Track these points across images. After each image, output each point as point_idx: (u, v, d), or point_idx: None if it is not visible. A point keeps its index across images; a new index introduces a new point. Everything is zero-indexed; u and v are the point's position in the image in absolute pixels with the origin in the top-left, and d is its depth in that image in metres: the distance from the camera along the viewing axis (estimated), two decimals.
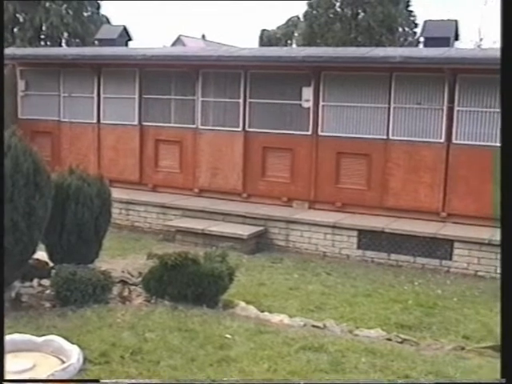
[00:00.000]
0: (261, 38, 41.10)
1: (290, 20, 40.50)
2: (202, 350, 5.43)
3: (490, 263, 10.09)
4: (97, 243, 7.33)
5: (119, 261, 9.41)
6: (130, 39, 16.01)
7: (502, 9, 4.04)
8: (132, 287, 7.15)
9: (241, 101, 12.60)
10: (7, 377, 3.63)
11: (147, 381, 4.88)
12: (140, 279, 7.17)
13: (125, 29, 15.93)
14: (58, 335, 4.40)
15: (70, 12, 24.67)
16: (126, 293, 7.01)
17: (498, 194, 4.24)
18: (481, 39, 24.85)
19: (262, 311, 7.10)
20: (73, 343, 4.19)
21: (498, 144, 10.82)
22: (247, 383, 4.94)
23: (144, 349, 5.33)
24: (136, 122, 13.59)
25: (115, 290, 6.93)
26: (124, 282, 7.21)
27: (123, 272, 7.60)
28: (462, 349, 6.24)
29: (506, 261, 4.01)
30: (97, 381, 4.67)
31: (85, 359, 4.73)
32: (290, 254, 11.09)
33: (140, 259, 8.76)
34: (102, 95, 13.88)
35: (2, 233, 4.91)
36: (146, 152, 13.62)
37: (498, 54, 11.70)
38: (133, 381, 4.82)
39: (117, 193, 11.07)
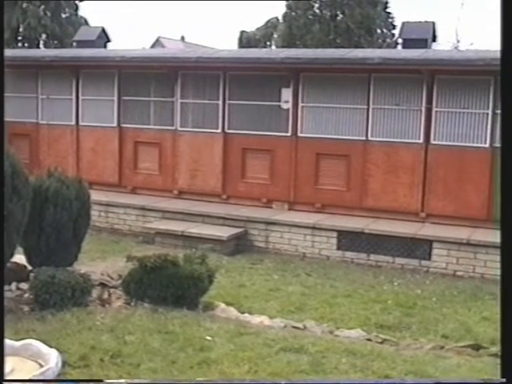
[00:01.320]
0: (240, 39, 41.14)
1: (269, 21, 40.57)
2: (182, 352, 5.41)
3: (468, 263, 10.16)
4: (76, 246, 7.28)
5: (99, 263, 9.38)
6: (108, 41, 15.96)
7: (502, 9, 4.05)
8: (112, 290, 7.12)
9: (220, 102, 12.59)
10: None
11: (147, 381, 4.88)
12: (120, 282, 7.14)
13: (103, 30, 15.88)
14: (37, 339, 4.38)
15: (48, 13, 24.56)
16: (105, 295, 6.98)
17: (499, 195, 4.26)
18: (458, 41, 24.97)
19: (243, 313, 7.11)
20: (52, 347, 4.17)
21: (476, 144, 10.94)
22: (247, 383, 4.94)
23: (124, 352, 5.30)
24: (115, 124, 13.53)
25: (95, 292, 6.90)
26: (103, 285, 7.18)
27: (103, 275, 7.56)
28: (441, 348, 6.28)
29: (506, 261, 4.02)
30: (99, 381, 4.67)
31: (64, 363, 4.72)
32: (269, 255, 11.09)
33: (119, 262, 8.70)
34: (80, 97, 13.81)
35: (2, 233, 4.88)
36: (125, 154, 13.57)
37: (474, 55, 11.84)
38: (133, 381, 4.82)
39: (96, 195, 10.99)
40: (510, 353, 3.85)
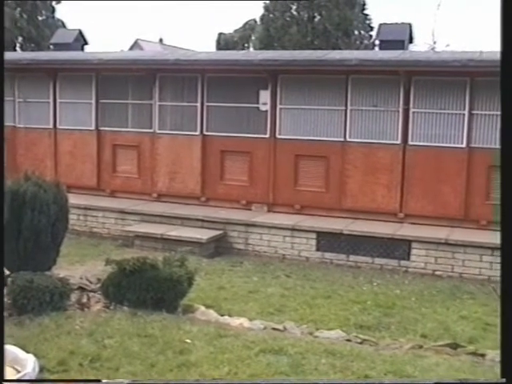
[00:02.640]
0: (218, 41, 41.09)
1: (246, 23, 40.59)
2: (161, 355, 5.41)
3: (446, 262, 10.23)
4: (54, 250, 7.25)
5: (78, 267, 9.34)
6: (85, 43, 15.89)
7: (502, 9, 4.06)
8: (91, 294, 7.09)
9: (198, 104, 12.58)
10: None
11: (147, 381, 4.86)
12: (99, 285, 7.12)
13: (80, 33, 15.80)
14: (15, 344, 4.35)
15: (24, 16, 24.38)
16: (84, 299, 6.95)
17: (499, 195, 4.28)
18: (434, 42, 25.11)
19: (222, 315, 7.10)
20: (30, 352, 4.14)
21: (453, 145, 11.03)
22: (246, 383, 4.94)
23: (103, 356, 5.29)
24: (93, 127, 13.47)
25: (73, 296, 6.88)
26: (82, 289, 7.15)
27: (81, 278, 7.53)
28: (420, 347, 6.31)
29: (506, 262, 4.04)
30: (97, 381, 4.67)
31: (42, 368, 4.69)
32: (249, 257, 11.09)
33: (99, 265, 8.67)
34: (58, 100, 13.74)
35: (2, 233, 4.85)
36: (104, 157, 13.52)
37: (450, 56, 11.92)
38: (133, 381, 4.81)
39: (74, 198, 10.97)
40: (510, 353, 3.87)
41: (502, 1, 4.07)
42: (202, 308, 7.13)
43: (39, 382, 3.79)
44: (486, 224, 10.85)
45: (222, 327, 6.42)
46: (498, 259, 9.84)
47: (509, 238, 3.99)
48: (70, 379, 4.35)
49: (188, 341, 5.79)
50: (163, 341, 5.73)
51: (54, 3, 26.96)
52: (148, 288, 6.66)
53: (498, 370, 5.53)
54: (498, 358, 5.88)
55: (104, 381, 4.75)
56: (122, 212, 12.31)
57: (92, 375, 4.91)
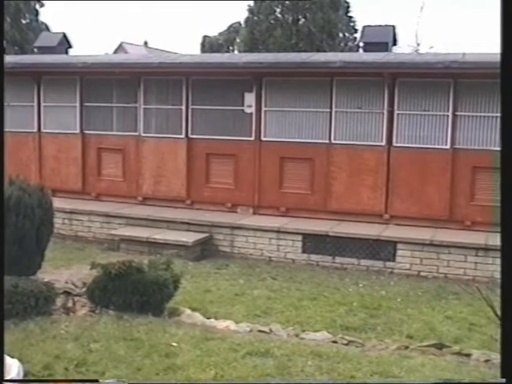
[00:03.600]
0: (203, 44, 41.11)
1: (231, 26, 40.64)
2: (147, 358, 5.40)
3: (431, 263, 10.27)
4: (39, 254, 7.22)
5: (63, 271, 9.29)
6: (70, 47, 15.83)
7: (502, 9, 4.07)
8: (76, 298, 7.07)
9: (183, 107, 12.57)
10: None
11: (147, 381, 4.85)
12: (84, 289, 7.10)
13: (65, 36, 15.74)
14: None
15: (8, 19, 24.26)
16: (70, 304, 6.93)
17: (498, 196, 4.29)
18: (418, 44, 25.20)
19: (208, 318, 7.10)
20: (15, 357, 4.12)
21: (437, 146, 11.08)
22: (246, 383, 4.94)
23: (89, 360, 5.28)
24: (77, 131, 13.43)
25: (59, 301, 6.85)
26: (68, 293, 7.13)
27: (67, 283, 7.50)
28: (406, 348, 6.33)
29: (506, 262, 4.04)
30: (97, 381, 4.65)
31: (27, 373, 4.67)
32: (235, 259, 11.09)
33: (84, 269, 8.63)
34: (42, 104, 13.68)
35: (2, 234, 4.83)
36: (89, 161, 13.47)
37: (434, 58, 11.99)
38: (133, 381, 4.79)
39: (59, 202, 10.96)
40: (510, 353, 3.88)
41: (502, 1, 4.07)
42: (188, 311, 7.13)
43: (39, 381, 3.78)
44: (470, 225, 10.92)
45: (209, 330, 6.42)
46: (482, 259, 9.93)
47: (509, 238, 4.00)
48: (70, 379, 4.35)
49: (174, 344, 5.79)
50: (149, 344, 5.73)
51: (37, 6, 26.86)
52: (134, 291, 6.66)
53: (483, 369, 5.58)
54: (482, 358, 5.93)
55: (104, 381, 4.76)
56: (107, 215, 12.27)
57: (78, 379, 4.89)
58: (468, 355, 6.05)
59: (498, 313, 5.64)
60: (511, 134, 4.06)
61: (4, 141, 5.35)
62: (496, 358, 5.95)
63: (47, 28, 26.78)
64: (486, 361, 5.87)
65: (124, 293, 6.66)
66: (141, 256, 9.73)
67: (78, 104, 13.39)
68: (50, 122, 13.68)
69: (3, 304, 5.08)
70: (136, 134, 13.00)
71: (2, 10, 5.02)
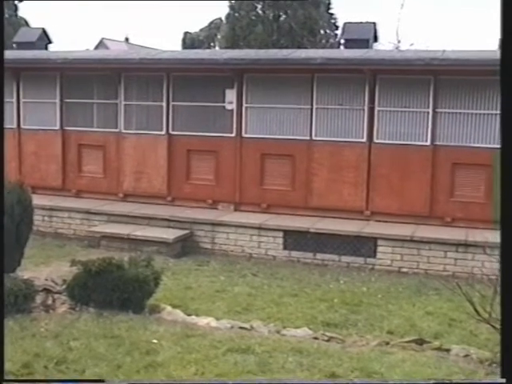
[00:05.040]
0: (184, 40, 41.01)
1: (212, 22, 40.57)
2: (128, 356, 5.38)
3: (412, 259, 10.32)
4: (18, 251, 7.17)
5: (43, 269, 9.23)
6: (49, 42, 15.69)
7: (502, 9, 4.08)
8: (56, 295, 7.02)
9: (164, 104, 12.53)
10: None
11: (147, 381, 4.86)
12: (64, 287, 7.05)
13: (44, 31, 15.60)
14: None
15: None
16: (49, 301, 6.89)
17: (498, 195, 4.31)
18: (399, 41, 25.30)
19: (189, 315, 7.09)
20: None
21: (417, 142, 11.13)
22: (244, 383, 4.93)
23: (69, 358, 5.25)
24: (58, 127, 13.34)
25: (38, 298, 6.80)
26: (48, 291, 7.07)
27: (47, 280, 7.44)
28: (387, 344, 6.36)
29: (506, 261, 4.06)
30: (100, 381, 4.66)
31: (7, 371, 4.64)
32: (216, 256, 11.08)
33: (64, 266, 8.56)
34: (21, 100, 13.57)
35: (2, 232, 4.79)
36: (69, 157, 13.39)
37: (414, 55, 12.03)
38: (133, 381, 4.76)
39: (39, 199, 10.88)
40: (510, 353, 3.89)
41: (502, 1, 4.09)
42: (169, 308, 7.10)
43: (39, 381, 3.76)
44: (450, 221, 10.98)
45: (189, 327, 6.41)
46: (462, 255, 9.99)
47: (509, 238, 4.01)
48: (70, 379, 4.34)
49: (155, 341, 5.77)
50: (130, 341, 5.71)
51: (16, 1, 26.66)
52: (114, 288, 6.63)
53: (462, 364, 5.62)
54: (462, 353, 5.97)
55: (104, 381, 4.74)
56: (87, 212, 12.21)
57: (57, 378, 4.86)
58: (448, 350, 6.09)
59: (478, 308, 5.69)
60: (511, 134, 4.07)
61: (4, 141, 5.33)
62: (475, 352, 6.00)
63: (26, 23, 26.58)
64: (466, 356, 5.91)
65: (104, 290, 6.62)
66: (121, 253, 9.69)
67: (58, 100, 13.30)
68: (29, 118, 13.58)
69: (3, 304, 5.06)
70: (117, 130, 12.94)
71: (2, 10, 4.99)
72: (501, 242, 4.17)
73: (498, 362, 5.54)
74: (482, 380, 5.31)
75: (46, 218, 12.28)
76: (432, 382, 5.19)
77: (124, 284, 6.63)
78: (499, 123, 10.66)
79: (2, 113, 4.91)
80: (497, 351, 5.69)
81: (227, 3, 27.49)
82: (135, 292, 6.72)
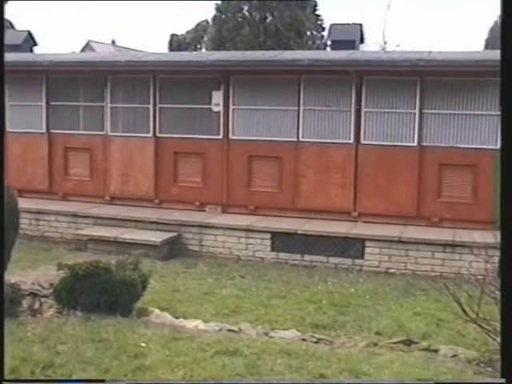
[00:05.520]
0: (170, 42, 40.94)
1: (199, 24, 40.51)
2: (116, 360, 5.36)
3: (399, 260, 10.34)
4: (5, 255, 7.11)
5: (29, 272, 9.19)
6: (35, 45, 15.63)
7: (502, 9, 4.08)
8: (43, 299, 6.99)
9: (150, 106, 12.50)
10: None
11: (147, 381, 4.87)
12: (51, 291, 7.01)
13: (30, 34, 15.53)
14: None
15: None
16: (36, 305, 6.85)
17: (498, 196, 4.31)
18: (385, 42, 25.37)
19: (177, 317, 7.07)
20: None
21: (404, 143, 11.16)
22: (245, 383, 4.91)
23: (56, 362, 5.22)
24: (44, 130, 13.28)
25: (25, 302, 6.77)
26: (34, 295, 7.04)
27: (33, 284, 7.41)
28: (375, 345, 6.37)
29: (506, 261, 4.05)
30: (100, 381, 4.63)
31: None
32: (204, 258, 11.05)
33: (51, 270, 8.53)
34: (6, 103, 13.48)
35: (2, 232, 4.76)
36: (55, 160, 13.33)
37: (400, 56, 12.06)
38: (133, 381, 4.74)
39: (25, 203, 10.83)
40: (509, 353, 3.89)
41: (502, 1, 4.09)
42: (157, 311, 7.08)
43: (39, 381, 3.75)
44: (437, 221, 11.02)
45: (177, 330, 6.39)
46: (450, 256, 10.02)
47: (509, 238, 4.01)
48: (70, 379, 4.32)
49: (143, 344, 5.75)
50: (117, 345, 5.68)
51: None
52: (101, 292, 6.60)
53: (450, 364, 5.63)
54: (450, 353, 5.98)
55: (104, 381, 4.73)
56: (74, 215, 12.16)
57: (43, 382, 4.84)
58: (436, 351, 6.11)
59: (465, 308, 5.71)
60: (511, 134, 4.07)
61: (4, 141, 5.30)
62: (463, 352, 6.02)
63: (11, 25, 26.45)
64: (453, 356, 5.93)
65: (91, 293, 6.59)
66: (109, 256, 9.64)
67: (44, 103, 13.24)
68: (15, 121, 13.46)
69: (3, 304, 5.03)
70: (103, 133, 12.90)
71: (2, 10, 4.96)
72: (501, 242, 4.17)
73: (485, 362, 5.57)
74: (482, 380, 5.32)
75: (32, 222, 12.22)
76: (432, 381, 5.20)
77: (111, 287, 6.60)
78: (488, 124, 10.74)
79: (2, 114, 4.89)
80: (484, 351, 5.72)
81: (214, 5, 27.49)
82: (123, 295, 6.69)
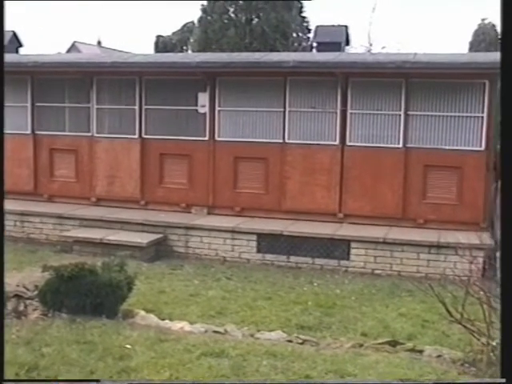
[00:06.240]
0: (156, 44, 40.83)
1: (185, 26, 40.41)
2: (101, 362, 5.34)
3: (385, 261, 10.38)
4: None
5: (14, 274, 9.08)
6: (20, 45, 15.58)
7: (502, 9, 4.09)
8: (28, 301, 6.94)
9: (136, 107, 12.48)
10: None
11: (147, 381, 4.87)
12: (36, 292, 6.98)
13: (15, 34, 15.48)
14: None
15: None
16: (21, 307, 6.81)
17: None
18: (370, 44, 25.47)
19: (163, 319, 7.06)
20: None
21: (389, 145, 11.20)
22: (246, 383, 4.91)
23: (40, 364, 5.20)
24: (29, 131, 13.23)
25: (10, 305, 6.73)
26: (19, 297, 7.00)
27: (18, 286, 7.35)
28: (361, 346, 6.38)
29: (506, 261, 4.06)
30: (97, 381, 4.60)
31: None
32: (190, 260, 11.05)
33: (36, 272, 8.47)
34: None
35: (2, 233, 4.73)
36: (41, 161, 13.28)
37: (385, 58, 12.12)
38: (133, 381, 4.73)
39: (11, 204, 10.81)
40: (509, 353, 3.91)
41: (502, 1, 4.10)
42: (143, 313, 7.07)
43: (39, 381, 3.74)
44: (423, 222, 11.06)
45: (163, 331, 6.39)
46: (435, 257, 10.07)
47: (509, 238, 4.02)
48: (70, 379, 4.30)
49: (128, 346, 5.74)
50: (103, 347, 5.67)
51: None
52: (87, 294, 6.58)
53: (435, 364, 5.66)
54: (435, 354, 6.01)
55: (104, 381, 4.72)
56: (60, 217, 12.11)
57: None
58: (421, 351, 6.13)
59: (450, 309, 5.74)
60: (511, 134, 4.09)
61: (4, 141, 5.28)
62: (448, 353, 6.04)
63: None
64: (438, 356, 5.96)
65: (77, 295, 6.57)
66: (94, 258, 9.62)
67: (29, 104, 13.19)
68: None
69: (3, 304, 5.01)
70: (89, 134, 12.86)
71: (3, 10, 4.94)
72: (501, 241, 4.18)
73: (469, 362, 5.60)
74: (482, 380, 5.35)
75: (17, 223, 12.17)
76: (432, 381, 5.22)
77: (97, 289, 6.59)
78: (473, 126, 10.80)
79: (1, 114, 4.86)
80: (468, 351, 5.75)
81: (199, 6, 27.44)
82: (108, 297, 6.67)
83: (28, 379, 3.89)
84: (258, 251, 10.98)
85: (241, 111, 11.93)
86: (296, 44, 27.53)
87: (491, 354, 5.27)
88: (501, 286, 4.20)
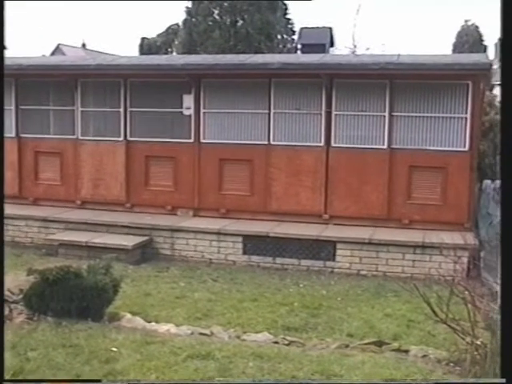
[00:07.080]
0: (141, 46, 40.74)
1: (169, 28, 40.34)
2: (87, 365, 5.33)
3: (371, 262, 10.41)
4: None
5: None
6: (4, 48, 15.48)
7: (502, 9, 4.10)
8: (13, 305, 6.91)
9: (121, 110, 12.46)
10: None
11: (147, 381, 4.86)
12: (21, 296, 6.95)
13: None
14: None
15: None
16: (6, 311, 6.77)
17: None
18: (355, 46, 25.57)
19: (149, 322, 7.05)
20: None
21: (374, 146, 11.24)
22: (246, 383, 4.90)
23: (26, 369, 5.17)
24: (13, 134, 13.16)
25: None
26: (4, 301, 6.97)
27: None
28: (346, 346, 6.40)
29: (506, 261, 4.07)
30: (98, 381, 4.62)
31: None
32: (176, 262, 11.03)
33: (21, 275, 8.42)
34: None
35: (2, 233, 4.70)
36: (25, 164, 13.23)
37: (369, 59, 12.17)
38: (132, 381, 4.72)
39: None
40: (510, 353, 3.92)
41: (502, 1, 4.12)
42: (129, 315, 7.05)
43: (39, 381, 3.72)
44: (408, 223, 11.11)
45: (149, 334, 6.37)
46: (420, 257, 10.12)
47: (509, 239, 4.03)
48: (70, 379, 4.28)
49: (114, 349, 5.72)
50: (89, 350, 5.65)
51: None
52: (72, 297, 6.55)
53: (420, 364, 5.68)
54: (420, 354, 6.04)
55: (104, 381, 4.70)
56: (45, 220, 12.07)
57: None
58: (406, 351, 6.15)
59: (435, 309, 5.77)
60: (511, 135, 4.11)
61: (3, 141, 5.26)
62: (433, 353, 6.07)
63: None
64: (424, 356, 5.98)
65: (62, 299, 6.55)
66: (80, 261, 9.57)
67: (13, 107, 13.12)
68: None
69: (3, 304, 4.99)
70: (74, 137, 12.82)
71: (3, 10, 4.92)
72: (501, 241, 4.19)
73: (454, 362, 5.63)
74: (482, 380, 5.37)
75: None
76: (432, 381, 5.24)
77: (82, 292, 6.57)
78: (457, 126, 10.86)
79: (1, 116, 4.85)
80: (453, 350, 5.78)
81: (184, 8, 27.41)
82: (94, 300, 6.65)
83: (28, 379, 3.88)
84: (244, 253, 10.99)
85: (226, 113, 11.94)
86: (281, 46, 27.55)
87: (475, 352, 5.30)
88: (501, 286, 4.21)
